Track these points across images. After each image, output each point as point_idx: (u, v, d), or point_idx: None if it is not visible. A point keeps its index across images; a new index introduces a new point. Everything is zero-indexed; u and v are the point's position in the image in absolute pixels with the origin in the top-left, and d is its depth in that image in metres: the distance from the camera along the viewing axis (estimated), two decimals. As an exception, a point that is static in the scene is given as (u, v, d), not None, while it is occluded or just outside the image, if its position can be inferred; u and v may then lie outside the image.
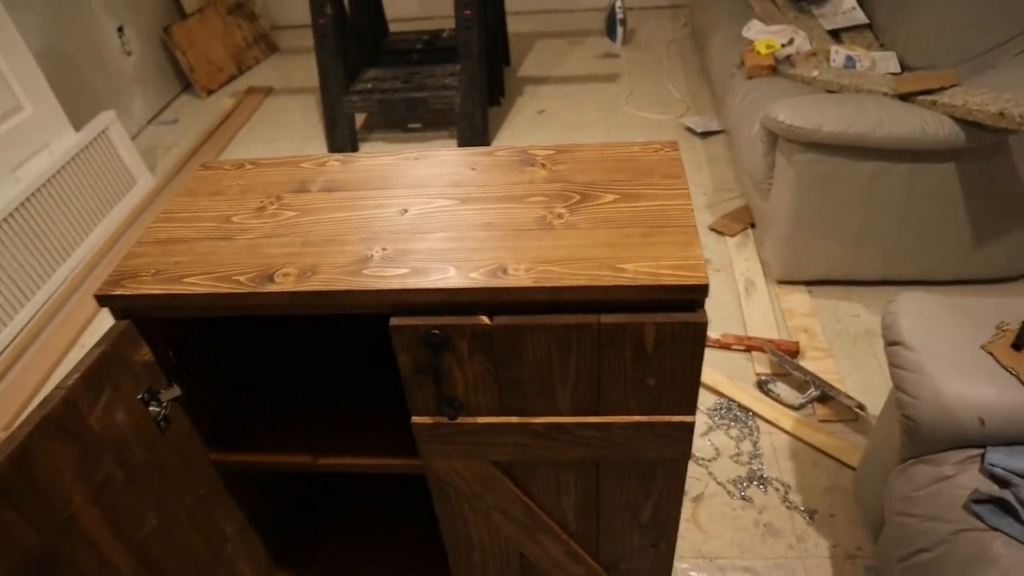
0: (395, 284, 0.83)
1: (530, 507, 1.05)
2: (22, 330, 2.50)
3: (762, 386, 2.04)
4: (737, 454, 1.89)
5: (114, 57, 3.62)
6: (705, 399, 2.04)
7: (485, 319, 0.78)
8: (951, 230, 2.17)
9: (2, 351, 2.42)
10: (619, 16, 3.88)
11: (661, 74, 3.81)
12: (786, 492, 1.80)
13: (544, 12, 4.69)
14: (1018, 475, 1.21)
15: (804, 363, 2.09)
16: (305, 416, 1.19)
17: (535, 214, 0.90)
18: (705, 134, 3.21)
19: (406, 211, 0.95)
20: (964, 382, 1.29)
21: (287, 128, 3.69)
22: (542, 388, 0.86)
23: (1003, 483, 1.22)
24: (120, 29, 3.67)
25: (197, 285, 0.89)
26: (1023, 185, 2.09)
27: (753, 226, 2.61)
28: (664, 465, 0.97)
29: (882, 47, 2.78)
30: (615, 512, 1.07)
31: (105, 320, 2.58)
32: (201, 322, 1.16)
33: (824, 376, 2.03)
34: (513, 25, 4.27)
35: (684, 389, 0.85)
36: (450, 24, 3.98)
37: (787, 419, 1.95)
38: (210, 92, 4.08)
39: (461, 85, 3.15)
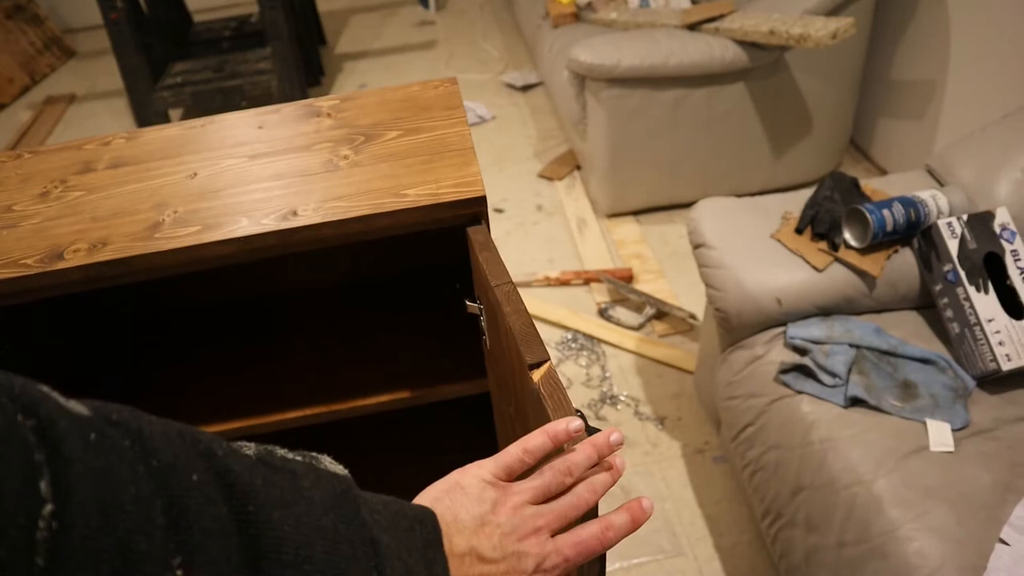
0: (189, 241, 0.83)
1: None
2: None
3: (603, 313, 2.15)
4: (588, 380, 2.00)
5: None
6: (553, 334, 2.13)
7: None
8: (751, 145, 2.36)
9: None
10: (429, -17, 3.90)
11: (477, 35, 3.86)
12: (636, 406, 1.92)
13: (354, -12, 4.63)
14: (813, 342, 1.36)
15: (639, 286, 2.22)
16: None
17: (322, 159, 0.92)
18: (525, 88, 3.29)
19: (195, 175, 0.95)
20: (760, 269, 1.42)
21: (98, 135, 3.47)
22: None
23: (802, 351, 1.36)
24: None
25: (-21, 277, 0.86)
26: (804, 96, 2.30)
27: (579, 168, 2.73)
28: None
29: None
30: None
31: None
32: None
33: (658, 295, 2.16)
34: (323, 4, 4.19)
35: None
36: (255, 9, 3.85)
37: (630, 339, 2.07)
38: (1, 107, 3.77)
39: (275, 67, 3.08)
